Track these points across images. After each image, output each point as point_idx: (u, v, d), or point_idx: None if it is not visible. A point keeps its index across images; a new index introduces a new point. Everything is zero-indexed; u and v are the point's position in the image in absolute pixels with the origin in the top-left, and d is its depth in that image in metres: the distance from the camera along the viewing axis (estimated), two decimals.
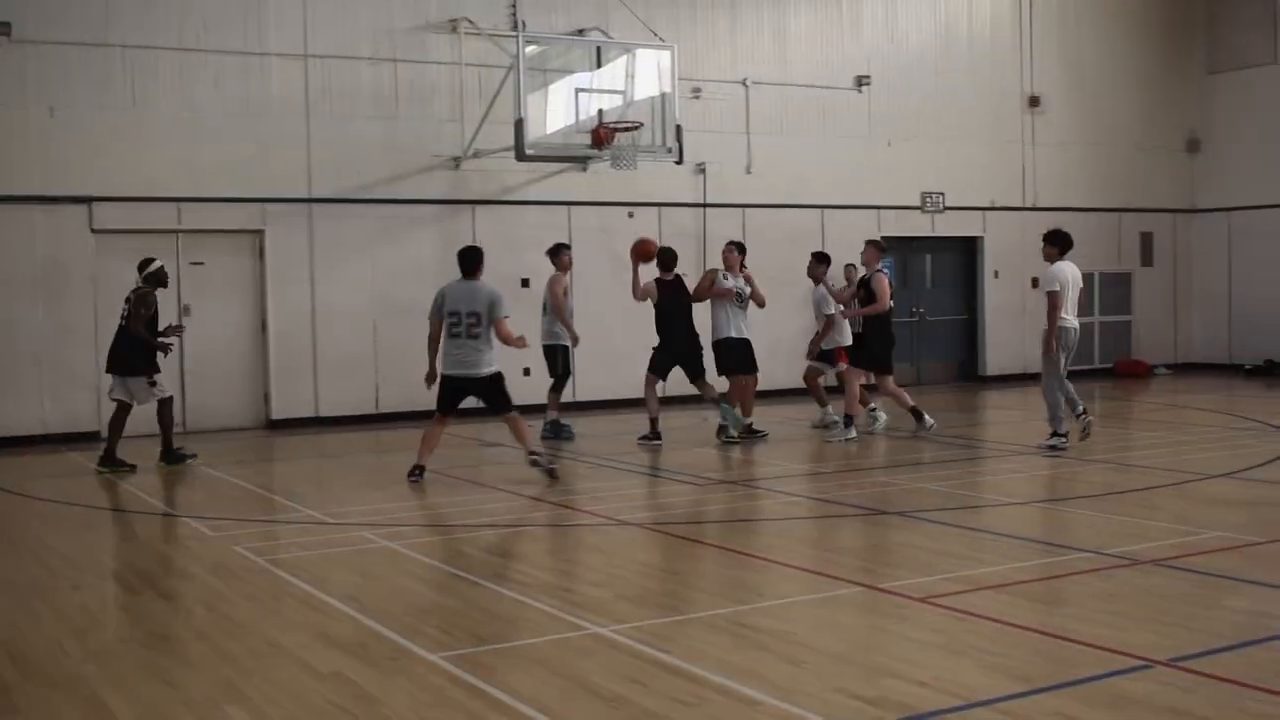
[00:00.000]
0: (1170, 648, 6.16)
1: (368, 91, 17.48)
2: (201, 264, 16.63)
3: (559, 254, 15.38)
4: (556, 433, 15.14)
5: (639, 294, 14.80)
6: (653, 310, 14.79)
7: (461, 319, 11.73)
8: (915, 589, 7.45)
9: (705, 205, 19.43)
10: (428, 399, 12.24)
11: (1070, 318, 13.20)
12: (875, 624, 6.83)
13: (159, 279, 13.62)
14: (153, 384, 13.43)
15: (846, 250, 20.55)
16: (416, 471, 12.04)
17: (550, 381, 15.33)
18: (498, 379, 11.92)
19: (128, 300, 13.46)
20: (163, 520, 10.67)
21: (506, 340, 11.69)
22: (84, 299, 15.95)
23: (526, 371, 17.75)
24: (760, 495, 11.34)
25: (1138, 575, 7.78)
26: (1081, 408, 13.41)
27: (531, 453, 11.97)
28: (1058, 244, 13.31)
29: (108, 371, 13.62)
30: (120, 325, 13.50)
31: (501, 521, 10.12)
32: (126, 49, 16.13)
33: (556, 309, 15.05)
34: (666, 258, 14.76)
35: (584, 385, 18.12)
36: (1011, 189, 22.54)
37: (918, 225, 21.65)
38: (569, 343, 15.16)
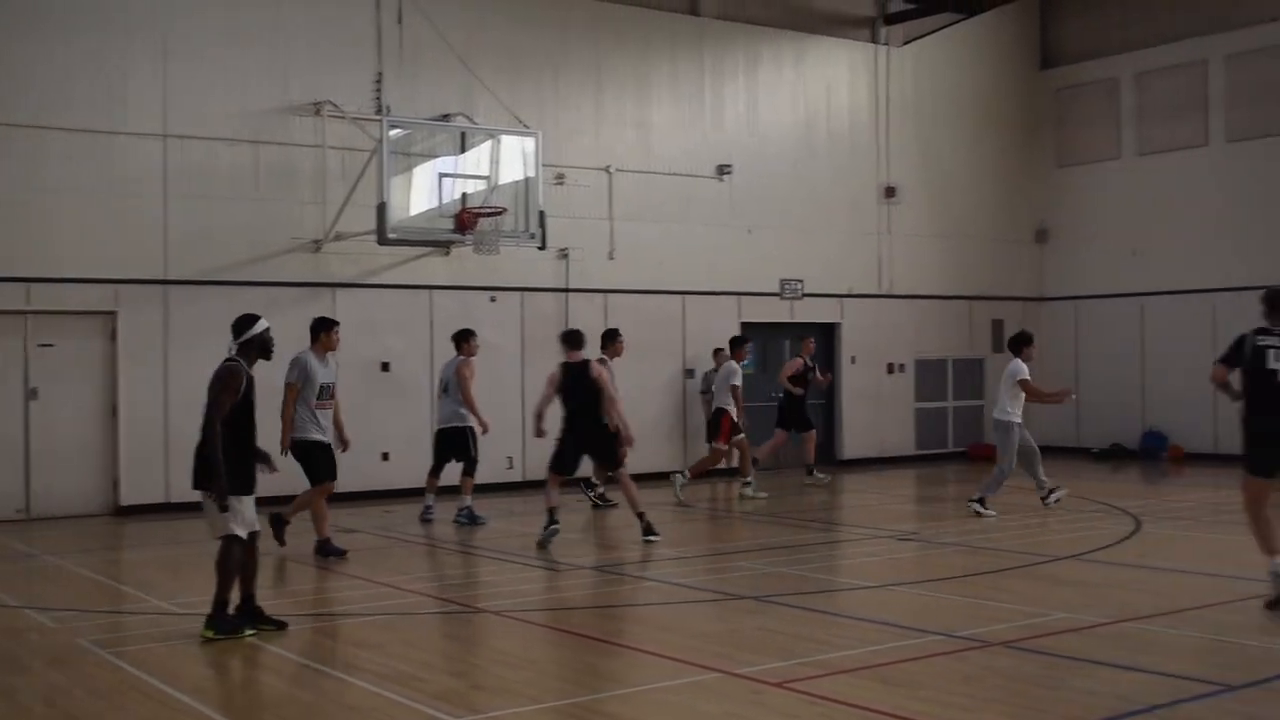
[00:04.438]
0: None
1: (227, 172, 17.24)
2: (51, 346, 16.15)
3: (469, 339, 15.35)
4: (472, 519, 14.97)
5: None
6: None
7: None
8: (772, 674, 7.49)
9: (568, 290, 19.50)
10: (282, 484, 12.00)
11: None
12: (731, 710, 6.84)
13: (262, 345, 9.88)
14: (223, 507, 9.04)
15: (708, 335, 20.83)
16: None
17: (454, 466, 15.28)
18: None
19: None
20: (1, 612, 10.29)
21: None
22: None
23: (385, 456, 17.64)
24: (619, 581, 11.32)
25: (988, 657, 7.93)
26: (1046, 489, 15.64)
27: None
28: (1022, 343, 15.89)
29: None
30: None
31: (356, 610, 9.96)
32: None
33: (465, 395, 14.95)
34: (573, 338, 13.58)
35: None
36: (868, 277, 23.02)
37: (777, 311, 21.97)
38: (476, 426, 15.09)
